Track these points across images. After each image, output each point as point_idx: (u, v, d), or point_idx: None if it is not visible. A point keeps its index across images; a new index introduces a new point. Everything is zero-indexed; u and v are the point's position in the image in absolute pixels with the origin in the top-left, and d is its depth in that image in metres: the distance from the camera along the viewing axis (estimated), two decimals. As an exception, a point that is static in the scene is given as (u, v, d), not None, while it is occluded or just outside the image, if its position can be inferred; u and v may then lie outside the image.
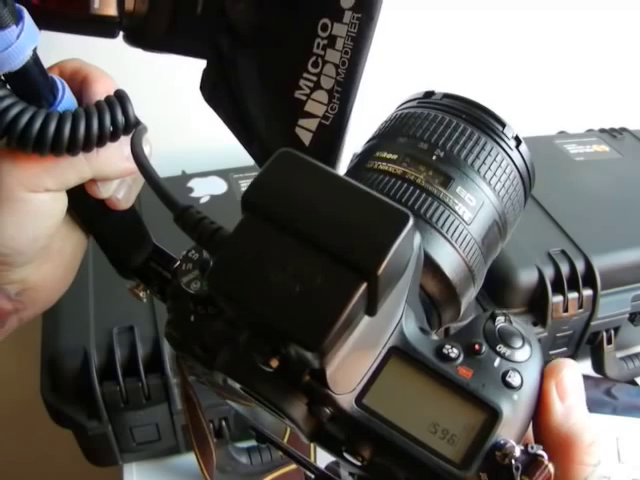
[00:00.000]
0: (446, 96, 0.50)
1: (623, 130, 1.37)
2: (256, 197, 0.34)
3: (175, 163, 1.18)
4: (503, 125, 0.48)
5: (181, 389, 0.82)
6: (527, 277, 1.00)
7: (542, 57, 1.40)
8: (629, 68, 1.49)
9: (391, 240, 0.31)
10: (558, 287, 1.01)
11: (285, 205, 0.33)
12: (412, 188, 0.44)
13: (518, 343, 0.40)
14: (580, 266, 1.02)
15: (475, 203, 0.46)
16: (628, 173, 1.25)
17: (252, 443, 0.97)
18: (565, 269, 1.02)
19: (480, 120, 0.48)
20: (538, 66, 1.40)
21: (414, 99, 0.51)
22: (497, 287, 1.01)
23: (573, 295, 1.02)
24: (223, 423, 0.94)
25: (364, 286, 0.31)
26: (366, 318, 0.34)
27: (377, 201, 0.33)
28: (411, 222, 0.32)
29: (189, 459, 0.93)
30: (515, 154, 0.48)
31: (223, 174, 1.16)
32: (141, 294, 0.54)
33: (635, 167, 1.27)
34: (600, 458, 0.38)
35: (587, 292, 1.02)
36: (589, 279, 1.03)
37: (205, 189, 1.12)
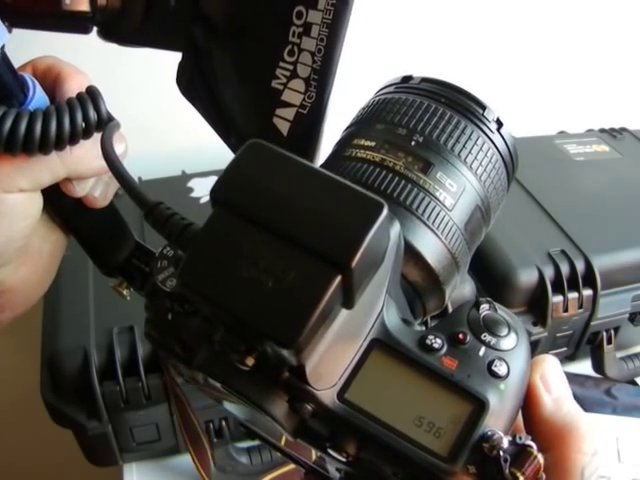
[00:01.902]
0: (424, 80, 0.48)
1: (623, 130, 1.35)
2: (225, 191, 0.33)
3: (175, 163, 1.18)
4: (483, 108, 0.47)
5: (169, 388, 0.81)
6: (527, 277, 0.99)
7: (542, 57, 1.38)
8: (629, 68, 1.48)
9: (365, 230, 0.31)
10: (558, 287, 1.00)
11: (255, 198, 0.33)
12: (391, 175, 0.43)
13: (504, 331, 0.39)
14: (580, 266, 1.01)
15: (456, 188, 0.44)
16: (628, 173, 1.24)
17: (252, 443, 0.96)
18: (565, 269, 1.01)
19: (459, 103, 0.46)
20: (538, 66, 1.39)
21: (392, 84, 0.50)
22: (497, 287, 1.00)
23: (573, 295, 1.00)
24: (223, 423, 0.93)
25: (338, 279, 0.31)
26: (344, 311, 0.33)
27: (350, 191, 0.32)
28: (385, 211, 0.31)
29: (189, 459, 0.92)
30: (497, 137, 0.47)
31: (223, 174, 1.14)
32: (124, 292, 0.53)
33: (635, 167, 1.25)
34: (597, 448, 0.37)
35: (587, 292, 1.01)
36: (589, 279, 1.02)
37: (205, 189, 1.11)
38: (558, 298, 1.00)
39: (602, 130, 1.36)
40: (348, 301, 0.32)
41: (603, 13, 1.38)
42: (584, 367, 1.10)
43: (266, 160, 0.34)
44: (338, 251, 0.31)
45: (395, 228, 0.36)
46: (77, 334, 0.88)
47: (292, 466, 0.91)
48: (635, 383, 1.11)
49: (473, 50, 1.29)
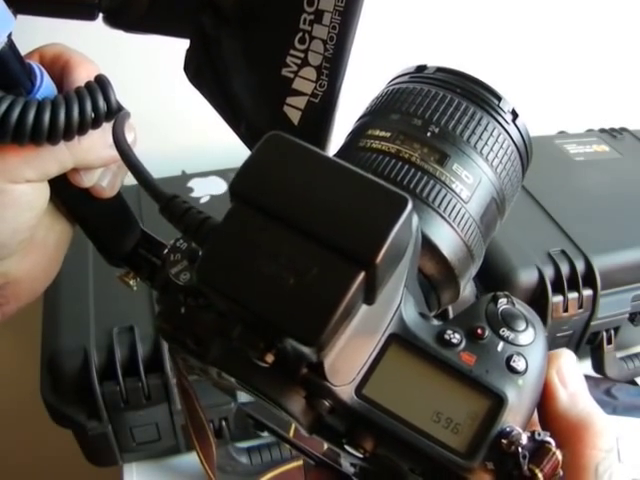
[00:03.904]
0: (439, 70, 0.47)
1: (623, 130, 1.35)
2: (245, 184, 0.32)
3: (175, 163, 1.17)
4: (499, 99, 0.46)
5: (177, 381, 0.81)
6: (527, 277, 0.99)
7: (542, 57, 1.38)
8: (629, 68, 1.48)
9: (390, 226, 0.30)
10: (558, 287, 1.00)
11: (276, 192, 0.32)
12: (407, 167, 0.42)
13: (522, 326, 0.38)
14: (580, 266, 1.01)
15: (472, 180, 0.43)
16: (628, 173, 1.23)
17: (252, 443, 0.96)
18: (565, 269, 1.00)
19: (475, 94, 0.46)
20: (538, 66, 1.39)
21: (406, 74, 0.49)
22: (497, 287, 0.98)
23: (573, 295, 1.00)
24: (223, 423, 0.93)
25: (362, 276, 0.30)
26: (364, 307, 0.32)
27: (373, 185, 0.32)
28: (410, 206, 0.31)
29: (189, 459, 0.92)
30: (512, 128, 0.46)
31: (223, 174, 1.15)
32: (131, 282, 0.52)
33: (635, 167, 1.25)
34: (612, 445, 0.37)
35: (587, 292, 1.01)
36: (589, 279, 1.01)
37: (205, 189, 1.11)
38: (558, 298, 1.00)
39: (602, 130, 1.36)
40: (370, 297, 0.32)
41: (603, 13, 1.38)
42: (584, 367, 1.09)
43: (286, 153, 0.33)
44: (362, 247, 0.30)
45: (414, 221, 0.35)
46: (77, 334, 0.87)
47: (293, 464, 0.91)
48: (635, 383, 1.11)
49: (474, 50, 1.28)
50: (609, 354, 1.08)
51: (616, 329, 1.07)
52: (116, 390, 0.85)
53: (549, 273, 1.00)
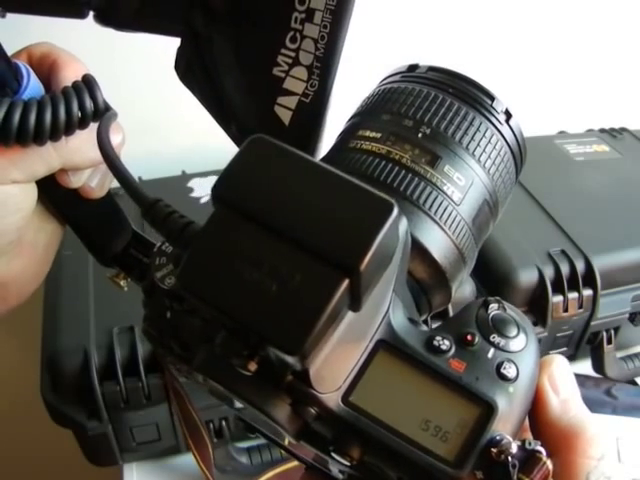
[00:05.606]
0: (431, 69, 0.46)
1: (623, 130, 1.34)
2: (226, 189, 0.31)
3: (175, 163, 1.16)
4: (492, 99, 0.45)
5: (167, 383, 0.80)
6: (527, 277, 0.98)
7: (542, 57, 1.37)
8: (629, 68, 1.47)
9: (374, 232, 0.29)
10: (558, 287, 0.99)
11: (258, 197, 0.31)
12: (397, 168, 0.41)
13: (513, 332, 0.37)
14: (580, 266, 1.00)
15: (464, 182, 0.42)
16: (628, 173, 1.22)
17: (252, 443, 0.95)
18: (565, 269, 0.99)
19: (468, 94, 0.44)
20: (538, 65, 1.38)
21: (397, 73, 0.48)
22: (497, 287, 0.99)
23: (573, 295, 0.99)
24: (223, 423, 0.92)
25: (346, 283, 0.29)
26: (350, 313, 0.31)
27: (358, 189, 0.31)
28: (395, 211, 0.30)
29: (189, 459, 0.91)
30: (505, 129, 0.45)
31: (223, 174, 1.13)
32: (122, 282, 0.51)
33: (635, 167, 1.24)
34: (604, 452, 0.35)
35: (587, 292, 1.00)
36: (589, 279, 1.00)
37: (205, 189, 1.10)
38: (558, 298, 0.99)
39: (602, 130, 1.35)
40: (355, 304, 0.31)
41: (603, 13, 1.37)
42: (584, 367, 1.08)
43: (270, 156, 0.32)
44: (346, 254, 0.29)
45: (403, 224, 0.34)
46: (77, 334, 0.86)
47: (292, 464, 0.90)
48: (635, 383, 1.10)
49: (473, 50, 1.28)
50: (609, 354, 1.07)
51: (616, 329, 1.07)
52: (116, 390, 0.84)
53: (549, 273, 0.99)
